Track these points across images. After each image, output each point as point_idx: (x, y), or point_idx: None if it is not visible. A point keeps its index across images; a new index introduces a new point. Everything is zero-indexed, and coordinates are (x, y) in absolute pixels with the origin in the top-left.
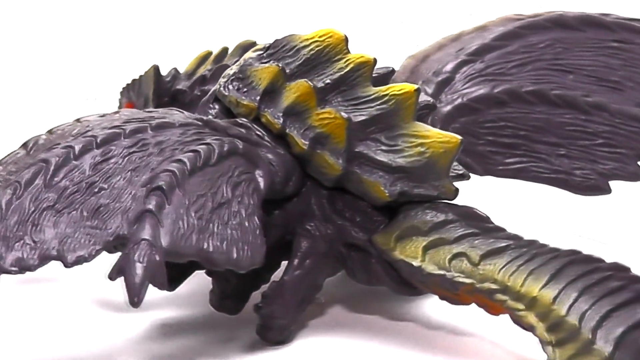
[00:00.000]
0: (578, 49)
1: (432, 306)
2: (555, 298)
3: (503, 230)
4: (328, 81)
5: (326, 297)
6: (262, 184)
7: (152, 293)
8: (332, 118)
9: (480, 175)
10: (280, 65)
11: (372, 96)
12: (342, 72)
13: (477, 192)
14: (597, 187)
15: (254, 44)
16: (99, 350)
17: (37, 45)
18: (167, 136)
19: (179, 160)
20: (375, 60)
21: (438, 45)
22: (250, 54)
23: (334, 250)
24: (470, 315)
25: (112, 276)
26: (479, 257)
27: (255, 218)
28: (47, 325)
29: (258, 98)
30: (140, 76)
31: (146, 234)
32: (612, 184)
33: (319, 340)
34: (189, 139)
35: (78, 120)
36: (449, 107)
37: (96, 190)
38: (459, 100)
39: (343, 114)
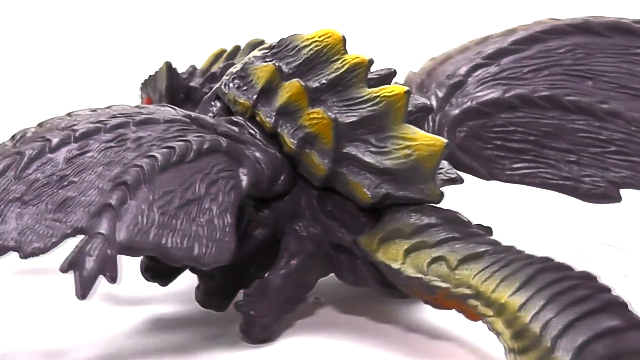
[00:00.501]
0: (601, 55)
1: (424, 310)
2: (522, 305)
3: (483, 235)
4: (324, 81)
5: (327, 297)
6: (244, 182)
7: (149, 288)
8: (320, 118)
9: (487, 179)
10: (276, 64)
11: (365, 97)
12: (337, 73)
13: (497, 196)
14: (606, 195)
15: (262, 42)
16: (87, 342)
17: (61, 42)
18: (148, 132)
19: (151, 156)
20: (370, 61)
21: (461, 48)
22: (255, 52)
23: (322, 251)
24: (457, 321)
25: (64, 269)
26: (457, 261)
27: (228, 216)
28: (38, 317)
29: (255, 97)
30: (156, 72)
31: (102, 227)
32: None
33: (302, 340)
34: (169, 135)
35: (69, 114)
36: (457, 111)
37: (65, 183)
38: (468, 104)
39: (330, 114)
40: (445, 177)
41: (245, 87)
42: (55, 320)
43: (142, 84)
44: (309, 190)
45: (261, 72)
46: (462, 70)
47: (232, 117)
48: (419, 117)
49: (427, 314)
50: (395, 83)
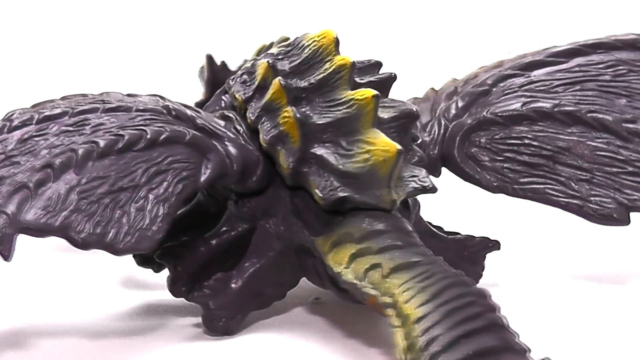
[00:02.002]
0: None
1: None
2: (419, 318)
3: (421, 245)
4: (312, 81)
5: (327, 297)
6: (203, 176)
7: (149, 275)
8: (288, 117)
9: (494, 192)
10: (270, 61)
11: (342, 100)
12: (325, 74)
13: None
14: (613, 217)
15: (287, 39)
16: (75, 322)
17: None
18: (113, 120)
19: (92, 142)
20: (353, 64)
21: (514, 58)
22: (274, 49)
23: (292, 250)
24: None
25: None
26: (390, 269)
27: (165, 206)
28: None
29: (251, 93)
30: (203, 65)
31: (10, 207)
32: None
33: (265, 337)
34: (130, 124)
35: (63, 97)
36: (470, 120)
37: (8, 163)
38: (483, 114)
39: (297, 114)
40: (417, 185)
41: (249, 83)
42: (52, 299)
43: (198, 74)
44: (284, 188)
45: (260, 69)
46: (490, 80)
47: (225, 112)
48: (405, 123)
49: None
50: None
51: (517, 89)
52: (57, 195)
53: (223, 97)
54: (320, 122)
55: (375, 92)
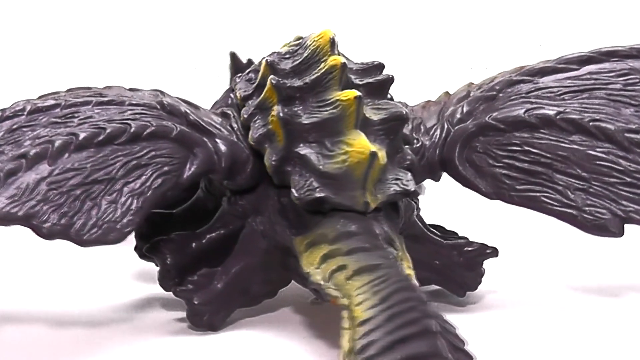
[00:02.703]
0: None
1: None
2: (363, 322)
3: (385, 248)
4: (307, 81)
5: None
6: (187, 171)
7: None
8: (274, 116)
9: (491, 199)
10: (269, 59)
11: (331, 100)
12: (318, 74)
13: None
14: (607, 228)
15: (300, 38)
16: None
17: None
18: (102, 113)
19: (73, 134)
20: (343, 64)
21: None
22: (284, 47)
23: (277, 249)
24: None
25: None
26: (353, 271)
27: (140, 200)
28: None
29: (250, 91)
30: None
31: None
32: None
33: (248, 334)
34: (118, 117)
35: (69, 89)
36: (471, 125)
37: None
38: (485, 119)
39: (281, 113)
40: (399, 189)
41: (252, 81)
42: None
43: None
44: (273, 187)
45: (261, 67)
46: (498, 85)
47: (224, 109)
48: (394, 125)
49: None
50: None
51: (523, 94)
52: (26, 185)
53: (230, 95)
54: (306, 122)
55: (358, 93)
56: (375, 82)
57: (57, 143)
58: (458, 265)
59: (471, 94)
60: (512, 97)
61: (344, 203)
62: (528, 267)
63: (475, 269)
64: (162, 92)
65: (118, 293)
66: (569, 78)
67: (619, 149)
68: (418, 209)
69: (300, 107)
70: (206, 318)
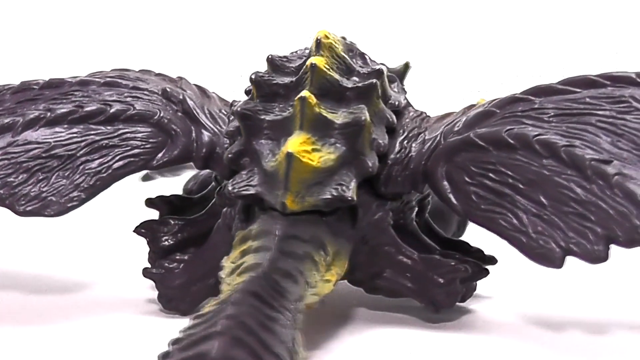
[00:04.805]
0: None
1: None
2: (197, 316)
3: (287, 251)
4: (292, 80)
5: (328, 298)
6: (159, 155)
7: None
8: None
9: (460, 216)
10: (270, 56)
11: (293, 101)
12: (299, 74)
13: None
14: (547, 257)
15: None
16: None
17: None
18: (99, 93)
19: (49, 109)
20: (313, 66)
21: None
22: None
23: None
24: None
25: None
26: (242, 268)
27: (93, 179)
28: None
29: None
30: None
31: None
32: None
33: None
34: (108, 99)
35: (114, 69)
36: (456, 139)
37: None
38: (469, 135)
39: (240, 108)
40: (336, 194)
41: None
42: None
43: None
44: None
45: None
46: (501, 102)
47: (232, 100)
48: (353, 131)
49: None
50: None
51: (518, 113)
52: None
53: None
54: (264, 118)
55: (305, 94)
56: (362, 86)
57: (30, 116)
58: (428, 281)
59: (478, 109)
60: (507, 115)
61: (271, 201)
62: (526, 274)
63: (446, 286)
64: (181, 79)
65: (104, 272)
66: (567, 100)
67: (581, 177)
68: (403, 218)
69: (278, 105)
70: (174, 303)
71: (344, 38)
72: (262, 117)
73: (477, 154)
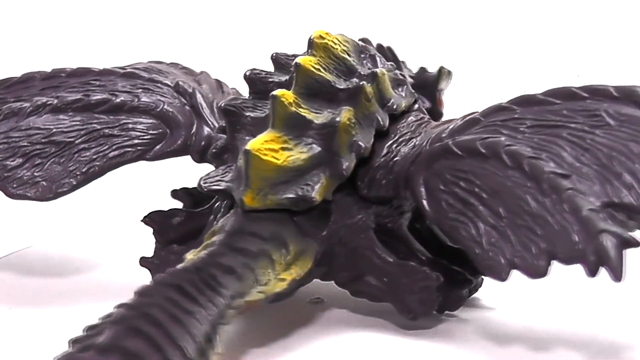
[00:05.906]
0: (625, 131)
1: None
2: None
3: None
4: (287, 77)
5: (328, 298)
6: (157, 147)
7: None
8: None
9: (431, 223)
10: (275, 54)
11: None
12: (292, 73)
13: None
14: (494, 270)
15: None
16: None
17: None
18: (113, 84)
19: (58, 97)
20: (296, 65)
21: None
22: None
23: None
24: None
25: None
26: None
27: (86, 166)
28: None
29: None
30: None
31: None
32: None
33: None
34: (119, 89)
35: (150, 61)
36: (436, 145)
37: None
38: (448, 142)
39: (224, 103)
40: (298, 195)
41: None
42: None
43: None
44: None
45: None
46: (487, 110)
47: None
48: (327, 132)
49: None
50: None
51: (498, 123)
52: None
53: None
54: (250, 116)
55: (278, 93)
56: (352, 88)
57: (37, 102)
58: (402, 287)
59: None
60: (487, 124)
61: (236, 197)
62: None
63: (419, 293)
64: (201, 73)
65: (109, 258)
66: (547, 112)
67: (538, 190)
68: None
69: (269, 102)
70: None
71: (365, 40)
72: (247, 113)
73: (454, 161)
